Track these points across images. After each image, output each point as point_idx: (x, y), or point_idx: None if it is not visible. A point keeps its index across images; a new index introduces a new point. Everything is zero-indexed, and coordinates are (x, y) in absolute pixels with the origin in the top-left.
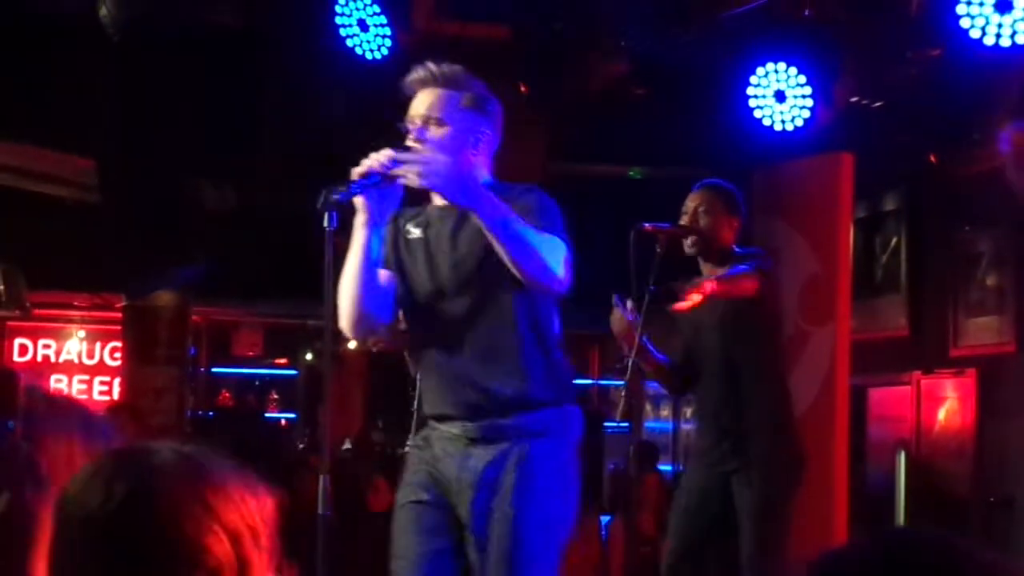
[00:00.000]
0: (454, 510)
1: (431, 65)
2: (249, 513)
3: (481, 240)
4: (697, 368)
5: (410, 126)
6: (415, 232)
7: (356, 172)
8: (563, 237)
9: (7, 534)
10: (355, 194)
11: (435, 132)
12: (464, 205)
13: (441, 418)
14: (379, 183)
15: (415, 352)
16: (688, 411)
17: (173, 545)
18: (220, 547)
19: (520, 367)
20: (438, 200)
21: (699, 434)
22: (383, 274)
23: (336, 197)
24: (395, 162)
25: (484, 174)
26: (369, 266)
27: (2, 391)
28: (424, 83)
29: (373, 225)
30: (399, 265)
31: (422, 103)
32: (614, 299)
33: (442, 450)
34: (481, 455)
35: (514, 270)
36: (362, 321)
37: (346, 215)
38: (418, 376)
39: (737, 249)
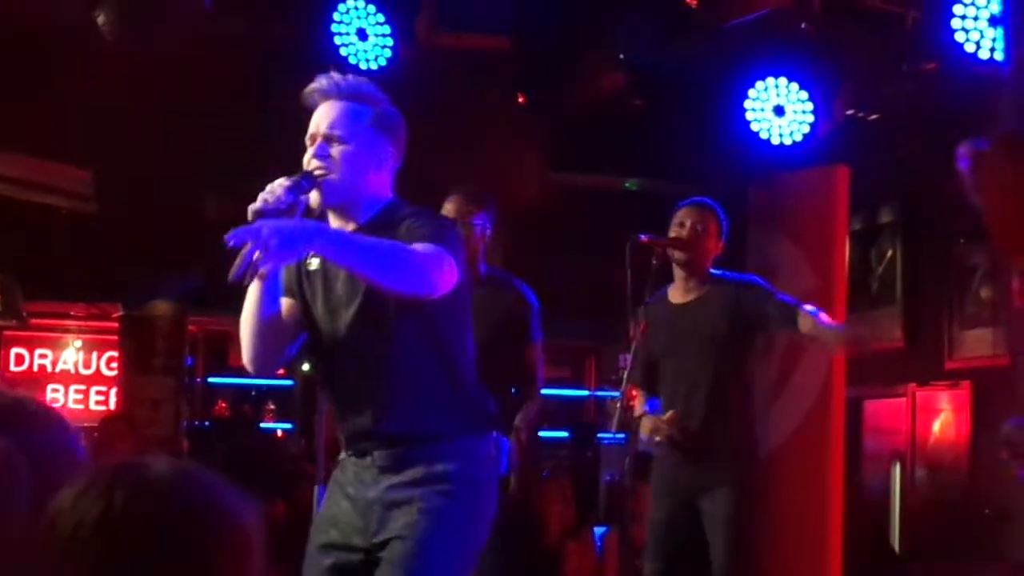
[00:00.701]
0: (358, 542)
1: (335, 75)
2: (242, 527)
3: None
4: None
5: (309, 143)
6: (314, 263)
7: (251, 211)
8: (442, 243)
9: None
10: (244, 272)
11: (336, 150)
12: (308, 252)
13: (348, 442)
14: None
15: (320, 379)
16: None
17: (174, 551)
18: (216, 550)
19: (416, 398)
20: (342, 227)
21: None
22: (286, 304)
23: (233, 278)
24: (288, 198)
25: (384, 194)
26: (268, 305)
27: None
28: (326, 95)
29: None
30: (301, 295)
31: (324, 117)
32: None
33: (354, 474)
34: (389, 479)
35: (377, 286)
36: (259, 358)
37: None
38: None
39: (712, 271)
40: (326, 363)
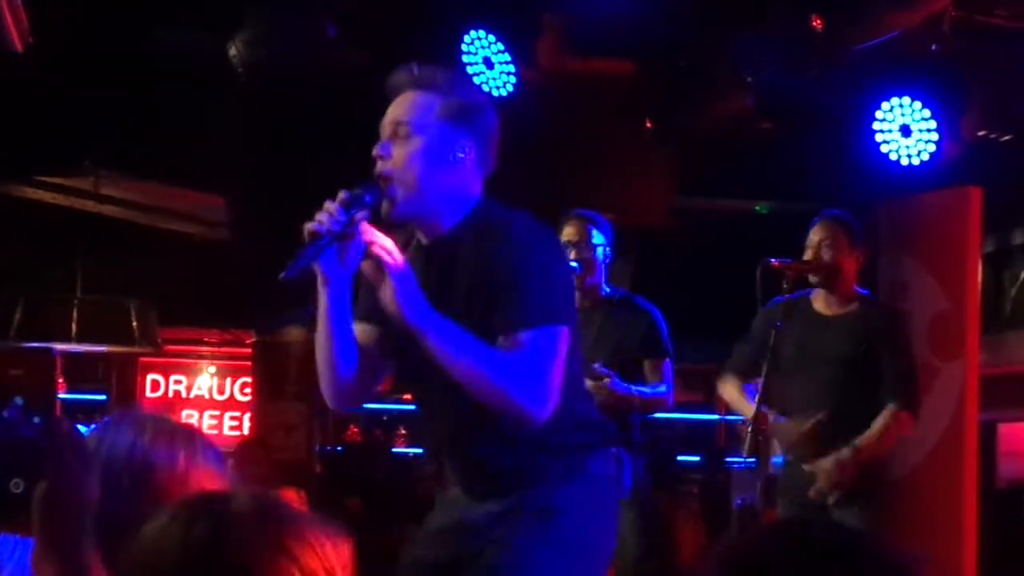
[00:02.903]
0: (456, 559)
1: (414, 66)
2: (327, 557)
3: (465, 285)
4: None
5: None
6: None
7: (306, 231)
8: (543, 320)
9: (54, 510)
10: (304, 267)
11: (401, 146)
12: (409, 321)
13: (450, 466)
14: (332, 243)
15: (415, 403)
16: None
17: None
18: None
19: (515, 433)
20: (421, 238)
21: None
22: (365, 331)
23: (285, 276)
24: (343, 217)
25: (468, 195)
26: (339, 334)
27: (42, 373)
28: (401, 87)
29: (333, 286)
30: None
31: (393, 109)
32: None
33: (458, 493)
34: (493, 500)
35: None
36: (342, 395)
37: None
38: None
39: (859, 290)
40: (417, 390)
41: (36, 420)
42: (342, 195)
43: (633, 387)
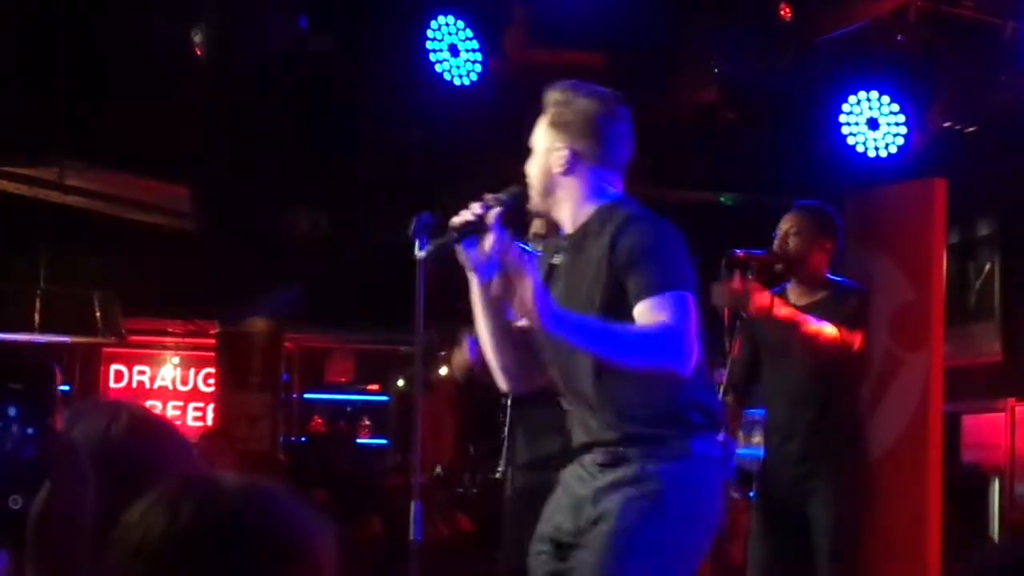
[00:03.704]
0: (567, 537)
1: (548, 89)
2: (313, 546)
3: (597, 274)
4: (766, 383)
5: None
6: (556, 259)
7: (453, 223)
8: (670, 286)
9: (49, 525)
10: (437, 249)
11: (532, 159)
12: (543, 326)
13: (576, 440)
14: (468, 233)
15: (555, 383)
16: None
17: (238, 568)
18: (283, 570)
19: (635, 397)
20: (565, 230)
21: (775, 456)
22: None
23: (420, 252)
24: (482, 212)
25: (595, 195)
26: (489, 319)
27: (40, 384)
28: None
29: (477, 273)
30: None
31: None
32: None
33: (576, 470)
34: (604, 477)
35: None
36: (509, 377)
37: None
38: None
39: (831, 277)
40: (553, 364)
41: (30, 431)
42: (486, 196)
43: None
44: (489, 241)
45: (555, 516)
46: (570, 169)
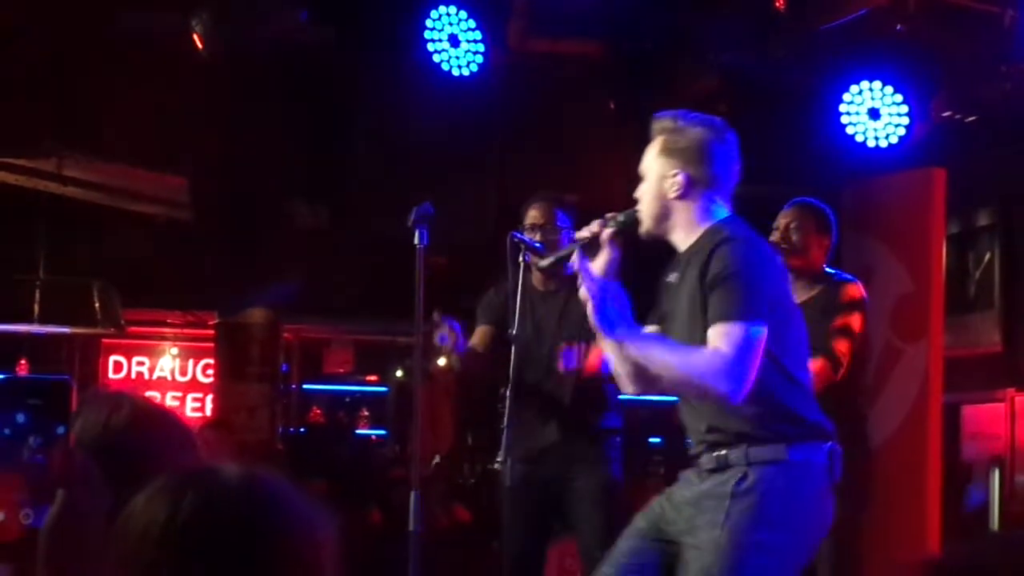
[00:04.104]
0: (667, 535)
1: (653, 117)
2: (313, 535)
3: (692, 294)
4: None
5: None
6: (671, 277)
7: (579, 235)
8: (738, 317)
9: (61, 536)
10: (558, 259)
11: (642, 185)
12: (604, 334)
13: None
14: (580, 246)
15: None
16: None
17: (239, 558)
18: (284, 561)
19: (722, 421)
20: (681, 247)
21: None
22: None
23: (542, 264)
24: (595, 229)
25: (703, 217)
26: None
27: (56, 399)
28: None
29: (585, 281)
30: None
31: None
32: None
33: (688, 474)
34: (709, 480)
35: None
36: (633, 381)
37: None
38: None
39: (828, 269)
40: None
41: (32, 441)
42: (608, 215)
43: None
44: (601, 257)
45: (654, 513)
46: (684, 194)
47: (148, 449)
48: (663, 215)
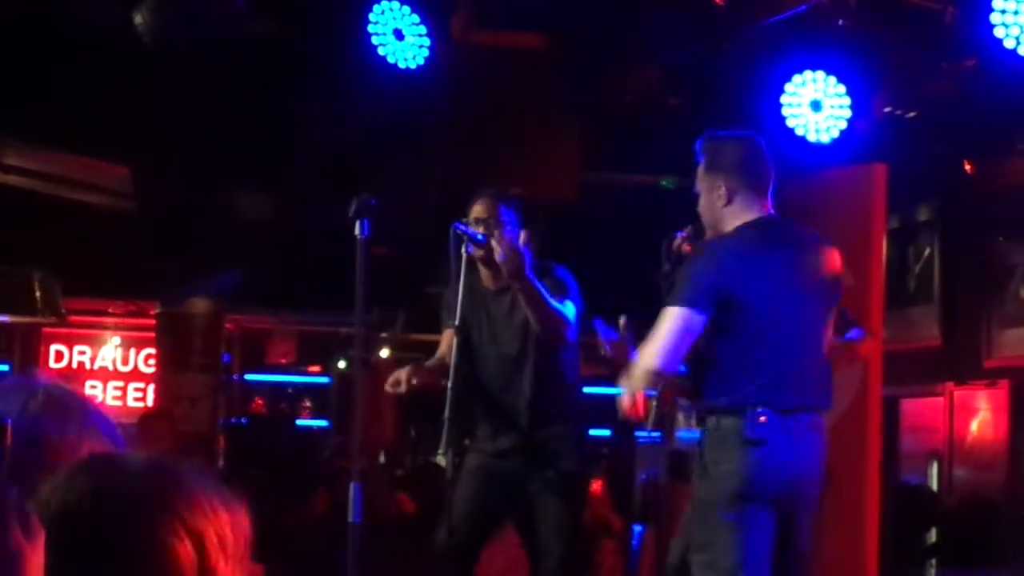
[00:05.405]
0: None
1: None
2: (218, 522)
3: None
4: None
5: None
6: None
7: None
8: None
9: None
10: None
11: (699, 206)
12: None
13: None
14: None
15: None
16: None
17: (131, 542)
18: (182, 550)
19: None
20: None
21: None
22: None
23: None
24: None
25: (743, 216)
26: None
27: None
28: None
29: None
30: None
31: None
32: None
33: None
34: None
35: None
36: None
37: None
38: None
39: None
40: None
41: None
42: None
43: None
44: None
45: None
46: (729, 201)
47: (62, 435)
48: (718, 222)
